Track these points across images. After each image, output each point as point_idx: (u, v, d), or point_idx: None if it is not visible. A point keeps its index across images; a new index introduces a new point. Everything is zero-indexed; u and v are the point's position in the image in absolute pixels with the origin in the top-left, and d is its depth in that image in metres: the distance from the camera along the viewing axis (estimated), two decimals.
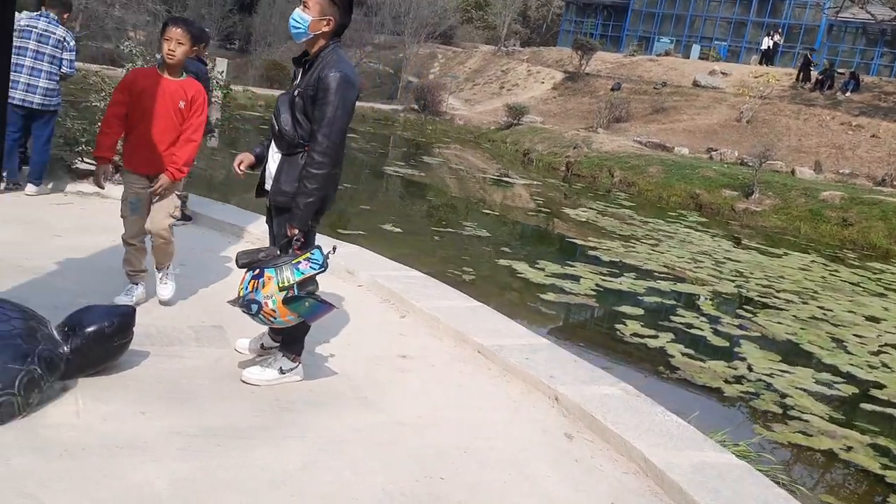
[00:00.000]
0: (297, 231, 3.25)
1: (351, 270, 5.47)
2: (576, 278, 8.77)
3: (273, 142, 3.37)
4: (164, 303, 4.20)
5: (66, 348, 3.03)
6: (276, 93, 28.53)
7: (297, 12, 3.21)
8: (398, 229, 10.36)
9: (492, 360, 4.23)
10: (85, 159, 6.89)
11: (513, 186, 17.74)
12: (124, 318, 3.22)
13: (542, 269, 8.96)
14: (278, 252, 3.29)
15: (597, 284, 8.65)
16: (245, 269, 3.23)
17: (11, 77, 5.91)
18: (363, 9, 39.43)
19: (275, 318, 3.16)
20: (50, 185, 6.50)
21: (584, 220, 13.60)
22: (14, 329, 2.87)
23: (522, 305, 7.71)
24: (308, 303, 3.18)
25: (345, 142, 3.44)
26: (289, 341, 3.49)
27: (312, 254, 3.25)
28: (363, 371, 3.82)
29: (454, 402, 3.63)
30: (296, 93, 3.26)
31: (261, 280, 3.13)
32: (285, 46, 36.58)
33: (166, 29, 3.86)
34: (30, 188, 6.25)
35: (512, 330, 4.70)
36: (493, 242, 10.52)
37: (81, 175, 6.75)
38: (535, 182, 18.69)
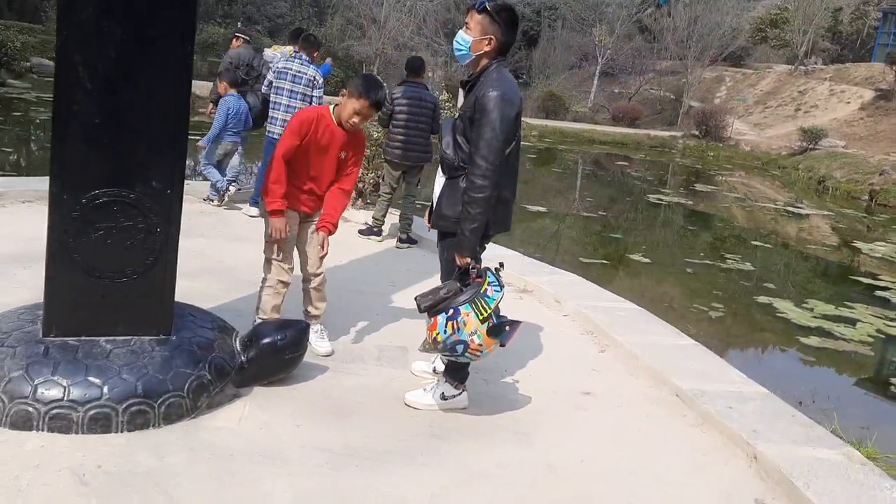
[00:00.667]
0: (468, 259, 3.16)
1: (559, 299, 5.27)
2: (851, 322, 7.62)
3: (439, 166, 3.35)
4: (325, 356, 3.85)
5: (242, 358, 3.27)
6: (552, 123, 29.40)
7: (460, 34, 3.17)
8: (646, 259, 9.84)
9: (689, 406, 3.78)
10: None
11: (799, 217, 16.03)
12: (296, 333, 3.38)
13: (810, 310, 7.93)
14: (459, 286, 3.17)
15: (878, 330, 7.43)
16: (429, 314, 3.11)
17: (270, 113, 6.69)
18: (644, 35, 38.65)
19: (482, 352, 3.05)
20: None
21: (879, 255, 11.85)
22: (195, 336, 3.16)
23: (767, 349, 6.86)
24: (507, 326, 3.08)
25: (516, 160, 3.32)
26: (453, 368, 3.41)
27: (489, 277, 3.15)
28: (535, 405, 3.61)
29: (626, 449, 3.28)
30: (457, 115, 3.22)
31: (458, 319, 3.01)
32: (564, 76, 37.08)
33: (365, 104, 3.57)
34: (252, 210, 7.00)
35: (723, 373, 4.17)
36: (755, 277, 9.55)
37: None
38: (827, 212, 16.73)
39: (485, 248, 3.44)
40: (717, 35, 33.77)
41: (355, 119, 3.62)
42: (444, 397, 3.41)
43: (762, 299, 8.27)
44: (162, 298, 3.04)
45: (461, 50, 3.17)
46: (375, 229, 6.75)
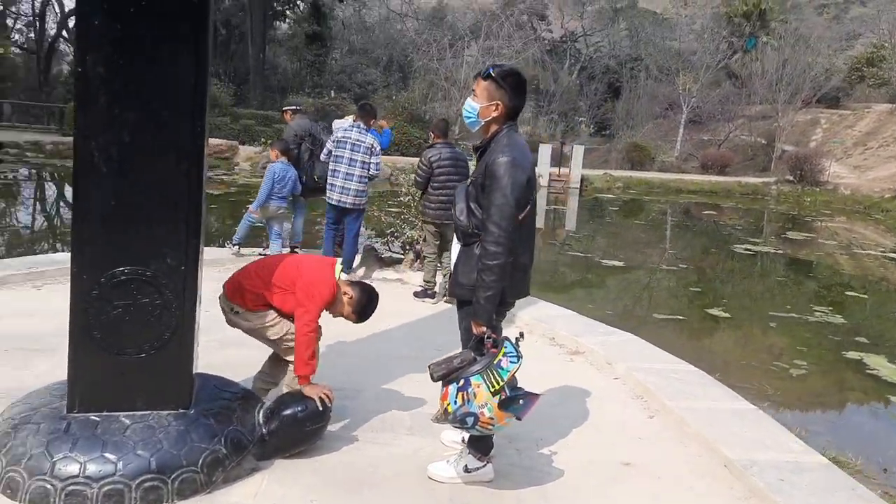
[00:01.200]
0: (483, 328, 3.09)
1: (610, 361, 5.07)
2: None
3: (454, 234, 3.32)
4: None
5: (263, 430, 3.28)
6: (637, 174, 28.95)
7: (468, 101, 3.17)
8: (726, 314, 9.40)
9: (737, 478, 3.52)
10: (391, 249, 7.60)
11: None
12: (317, 405, 3.37)
13: None
14: (473, 355, 3.10)
15: None
16: (443, 383, 3.06)
17: (329, 180, 6.89)
18: (731, 80, 37.84)
19: (493, 426, 2.96)
20: (361, 272, 7.27)
21: None
22: (213, 410, 3.19)
23: (851, 410, 6.36)
24: (521, 400, 2.98)
25: (533, 224, 3.25)
26: (476, 439, 3.31)
27: (506, 347, 3.06)
28: (567, 478, 3.44)
29: None
30: (469, 182, 3.19)
31: (468, 390, 2.94)
32: (648, 126, 36.61)
33: (354, 319, 3.67)
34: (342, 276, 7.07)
35: (781, 442, 3.87)
36: (846, 331, 8.94)
37: (387, 263, 7.44)
38: None
39: (504, 316, 3.36)
40: (808, 77, 32.70)
41: (340, 317, 3.68)
42: (467, 470, 3.30)
43: (852, 355, 7.72)
44: (179, 373, 3.09)
45: (470, 117, 3.16)
46: (429, 291, 6.76)
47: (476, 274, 3.06)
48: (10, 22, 45.60)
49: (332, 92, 39.70)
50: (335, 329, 5.46)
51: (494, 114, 3.10)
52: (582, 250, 14.15)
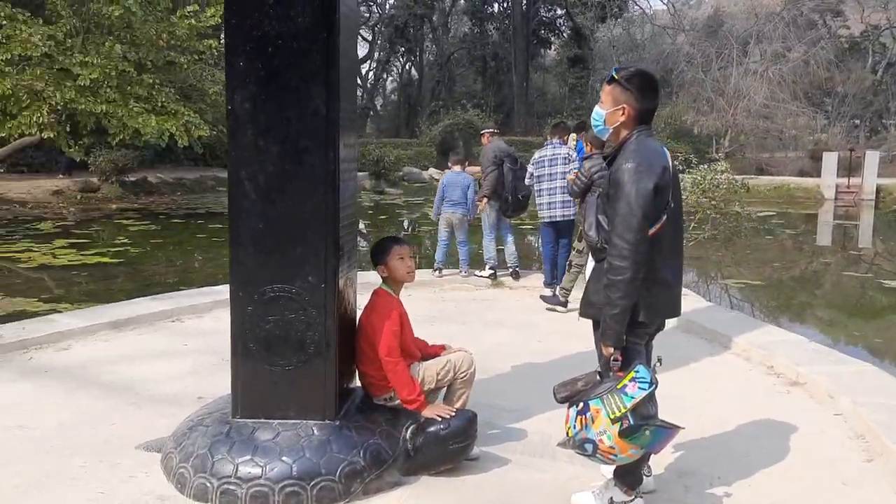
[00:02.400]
0: (611, 349, 2.88)
1: (833, 394, 4.39)
2: None
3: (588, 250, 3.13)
4: None
5: (409, 445, 3.34)
6: None
7: (596, 108, 2.98)
8: None
9: None
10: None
11: None
12: (461, 422, 3.35)
13: None
14: (598, 377, 2.93)
15: None
16: (567, 405, 2.91)
17: (537, 202, 6.98)
18: None
19: (615, 456, 2.76)
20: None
21: None
22: (359, 423, 3.32)
23: None
24: (649, 430, 2.75)
25: (676, 236, 2.95)
26: (622, 471, 3.06)
27: (637, 371, 2.83)
28: None
29: None
30: (597, 193, 2.99)
31: (587, 415, 2.77)
32: None
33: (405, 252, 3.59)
34: (545, 291, 7.16)
35: None
36: None
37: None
38: None
39: (648, 338, 3.07)
40: None
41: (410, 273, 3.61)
42: (612, 503, 3.06)
43: None
44: (325, 385, 3.26)
45: (598, 125, 2.98)
46: (562, 299, 6.73)
47: (603, 291, 2.85)
48: None
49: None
50: (507, 350, 5.47)
51: (622, 118, 2.88)
52: (865, 271, 12.47)
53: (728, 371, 5.17)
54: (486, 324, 6.35)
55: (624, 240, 2.75)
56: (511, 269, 7.91)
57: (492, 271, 7.96)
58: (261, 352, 3.25)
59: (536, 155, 7.18)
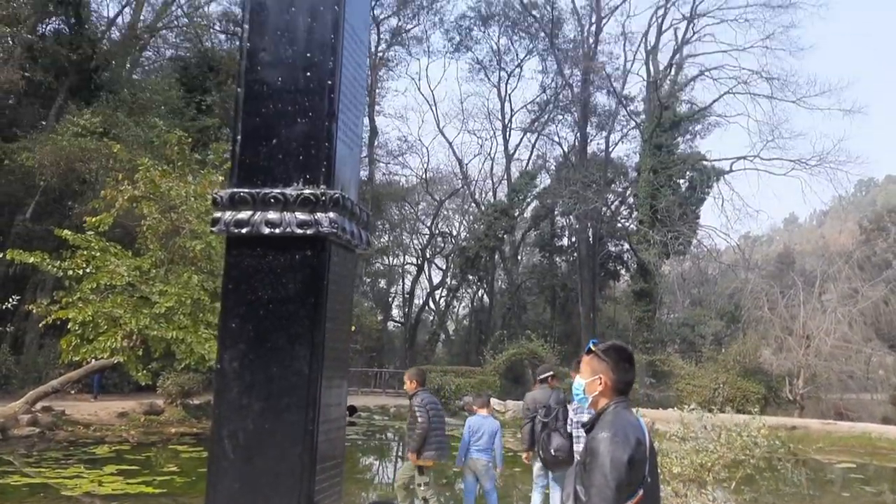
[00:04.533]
0: None
1: None
2: None
3: None
4: None
5: None
6: None
7: (576, 378, 3.02)
8: None
9: None
10: None
11: None
12: None
13: None
14: None
15: None
16: None
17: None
18: None
19: None
20: None
21: None
22: None
23: None
24: None
25: None
26: None
27: None
28: None
29: None
30: (576, 462, 2.89)
31: None
32: None
33: None
34: None
35: None
36: None
37: None
38: None
39: None
40: None
41: None
42: None
43: None
44: None
45: (578, 395, 3.00)
46: None
47: None
48: (389, 299, 54.28)
49: (667, 347, 39.10)
50: None
51: (600, 387, 2.93)
52: None
53: None
54: None
55: None
56: None
57: None
58: None
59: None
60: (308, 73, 3.30)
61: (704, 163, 41.60)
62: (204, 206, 17.53)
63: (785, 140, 40.24)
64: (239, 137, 3.32)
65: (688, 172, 41.04)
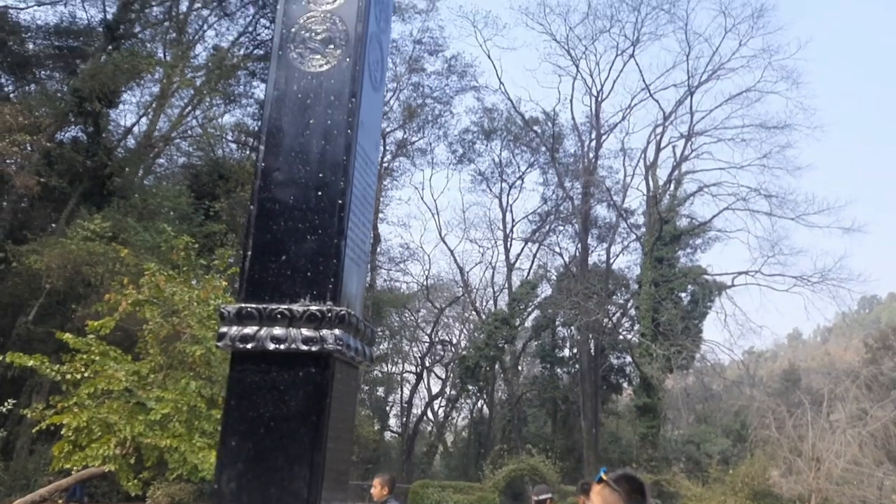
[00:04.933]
0: None
1: None
2: None
3: None
4: None
5: None
6: None
7: None
8: None
9: None
10: None
11: None
12: None
13: None
14: None
15: None
16: None
17: None
18: None
19: None
20: None
21: None
22: None
23: None
24: None
25: None
26: None
27: None
28: None
29: None
30: None
31: None
32: None
33: None
34: None
35: None
36: None
37: None
38: None
39: None
40: None
41: None
42: None
43: None
44: None
45: None
46: None
47: None
48: (387, 408, 53.27)
49: (672, 466, 38.01)
50: None
51: None
52: None
53: None
54: None
55: None
56: None
57: None
58: None
59: None
60: (319, 192, 3.38)
61: (706, 277, 41.72)
62: (206, 311, 17.52)
63: (786, 256, 40.59)
64: (249, 253, 3.36)
65: (689, 286, 41.11)
